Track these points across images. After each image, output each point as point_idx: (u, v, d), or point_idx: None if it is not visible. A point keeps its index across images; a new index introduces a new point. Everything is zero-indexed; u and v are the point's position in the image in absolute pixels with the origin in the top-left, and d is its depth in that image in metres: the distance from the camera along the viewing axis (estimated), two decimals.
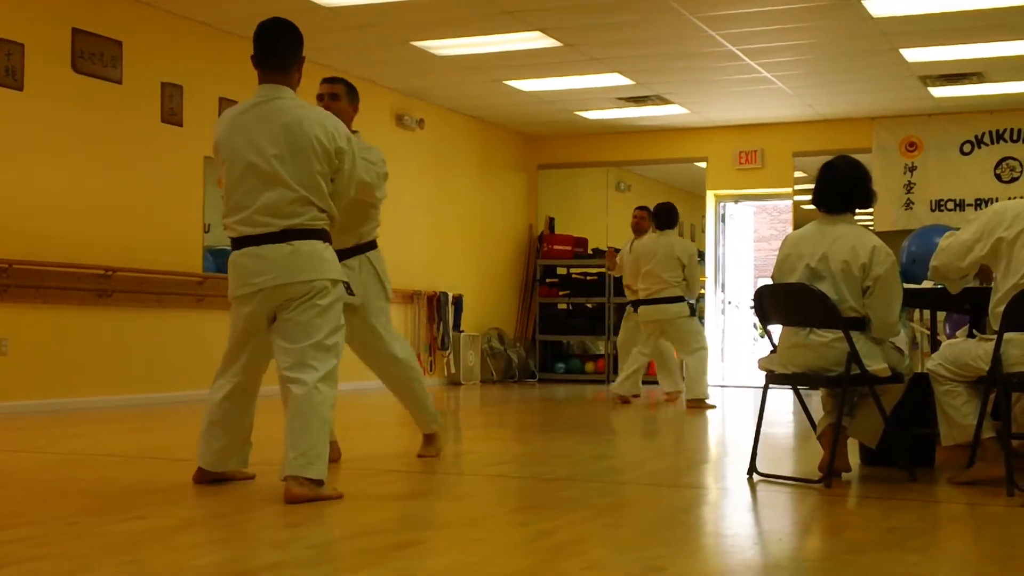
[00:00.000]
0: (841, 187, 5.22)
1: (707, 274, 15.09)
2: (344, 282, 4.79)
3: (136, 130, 9.48)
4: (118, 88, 9.30)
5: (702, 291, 14.98)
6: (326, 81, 5.71)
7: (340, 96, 5.61)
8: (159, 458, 5.88)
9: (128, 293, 9.27)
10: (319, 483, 4.42)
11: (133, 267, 9.29)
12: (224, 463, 4.82)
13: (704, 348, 10.16)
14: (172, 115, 9.82)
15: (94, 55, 9.08)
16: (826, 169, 5.28)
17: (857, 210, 5.25)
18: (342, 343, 4.71)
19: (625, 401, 10.35)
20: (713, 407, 9.90)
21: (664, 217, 10.21)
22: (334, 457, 5.51)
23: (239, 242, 4.58)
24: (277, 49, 4.63)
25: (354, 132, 5.31)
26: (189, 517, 4.07)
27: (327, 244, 4.65)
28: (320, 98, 5.60)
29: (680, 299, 10.04)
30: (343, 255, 5.25)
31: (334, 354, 4.59)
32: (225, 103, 10.29)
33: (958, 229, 6.06)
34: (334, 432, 5.27)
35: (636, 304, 10.45)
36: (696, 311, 10.58)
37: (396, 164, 5.61)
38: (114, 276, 9.10)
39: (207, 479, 4.82)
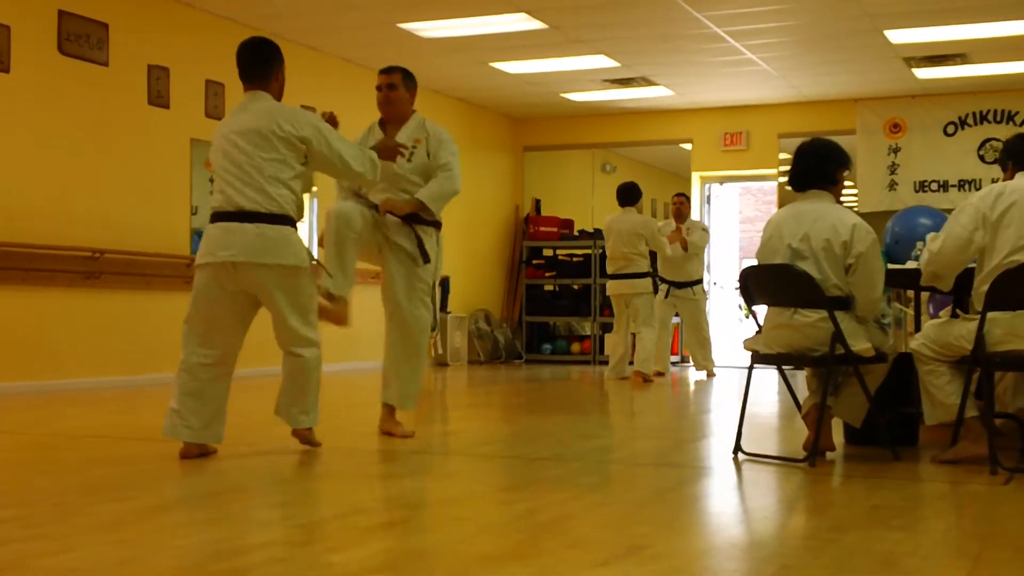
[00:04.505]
0: (804, 163, 5.29)
1: None
2: (314, 263, 5.32)
3: (123, 112, 9.45)
4: (105, 70, 9.27)
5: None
6: (383, 72, 6.19)
7: (397, 85, 6.21)
8: (145, 439, 5.88)
9: (115, 275, 9.26)
10: (310, 430, 5.34)
11: (121, 249, 9.28)
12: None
13: (655, 328, 10.65)
14: (159, 97, 9.79)
15: (80, 37, 9.04)
16: (796, 150, 5.37)
17: (830, 189, 5.28)
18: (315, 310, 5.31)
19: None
20: (652, 381, 10.45)
21: (626, 195, 10.62)
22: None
23: (214, 216, 5.12)
24: (254, 65, 5.28)
25: (413, 112, 6.27)
26: (175, 497, 4.08)
27: (293, 228, 5.16)
28: (379, 89, 6.19)
29: (646, 274, 10.54)
30: (413, 219, 5.94)
31: (313, 322, 5.27)
32: (212, 85, 10.28)
33: (941, 211, 6.09)
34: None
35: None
36: (659, 289, 10.93)
37: None
38: (101, 258, 9.09)
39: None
